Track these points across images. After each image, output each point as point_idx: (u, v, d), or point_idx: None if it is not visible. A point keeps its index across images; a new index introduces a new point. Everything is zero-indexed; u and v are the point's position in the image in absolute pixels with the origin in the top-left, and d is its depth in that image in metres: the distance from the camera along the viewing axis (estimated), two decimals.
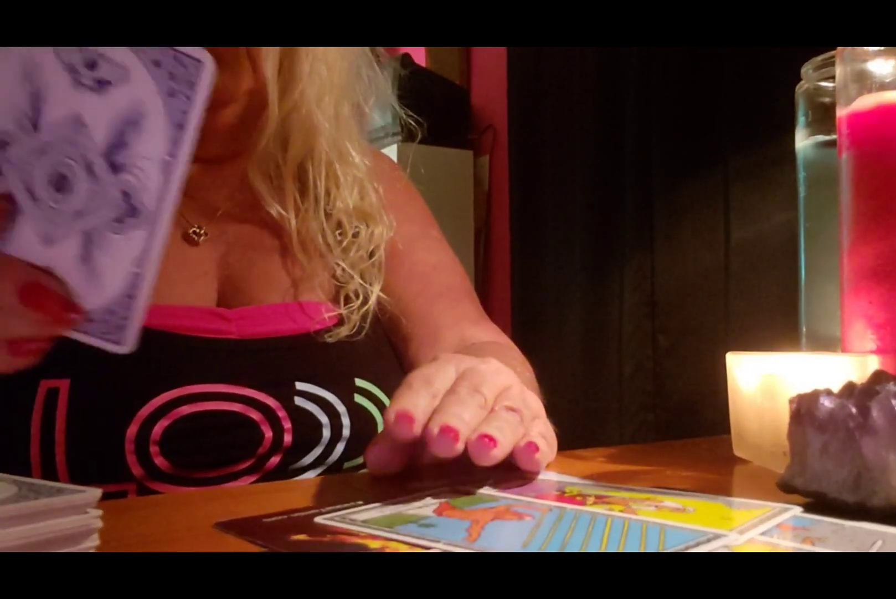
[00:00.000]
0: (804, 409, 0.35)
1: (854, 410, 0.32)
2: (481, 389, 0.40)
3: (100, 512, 0.26)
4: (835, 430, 0.33)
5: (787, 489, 0.35)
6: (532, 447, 0.40)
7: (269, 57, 0.58)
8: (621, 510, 0.34)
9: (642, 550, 0.28)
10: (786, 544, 0.29)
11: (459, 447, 0.37)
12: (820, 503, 0.34)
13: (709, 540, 0.29)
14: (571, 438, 0.55)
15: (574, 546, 0.28)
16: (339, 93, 0.64)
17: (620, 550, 0.28)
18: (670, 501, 0.36)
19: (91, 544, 0.26)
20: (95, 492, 0.26)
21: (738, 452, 0.49)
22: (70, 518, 0.26)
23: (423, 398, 0.40)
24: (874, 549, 0.28)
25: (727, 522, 0.32)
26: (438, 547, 0.28)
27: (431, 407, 0.39)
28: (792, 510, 0.34)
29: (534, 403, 0.44)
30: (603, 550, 0.28)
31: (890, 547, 0.28)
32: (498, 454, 0.38)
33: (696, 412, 1.40)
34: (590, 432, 1.64)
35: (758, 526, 0.31)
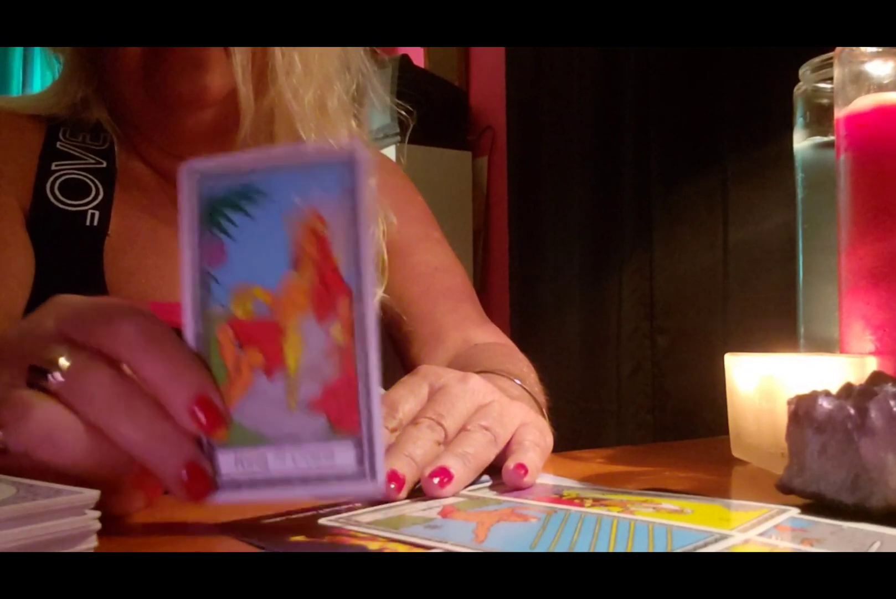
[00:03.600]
0: (802, 410, 0.35)
1: (852, 411, 0.32)
2: (444, 421, 0.40)
3: (98, 513, 0.26)
4: (833, 431, 0.33)
5: (785, 490, 0.35)
6: (521, 470, 0.39)
7: (237, 52, 0.56)
8: (619, 512, 0.34)
9: (650, 550, 0.28)
10: (784, 545, 0.29)
11: (402, 494, 0.36)
12: (818, 505, 0.34)
13: (716, 541, 0.29)
14: (570, 439, 0.55)
15: (582, 547, 0.28)
16: (323, 84, 0.63)
17: (629, 551, 0.28)
18: (668, 503, 0.36)
19: (89, 545, 0.26)
20: (94, 493, 0.26)
21: (736, 453, 0.49)
22: (68, 520, 0.26)
23: None
24: (872, 550, 0.28)
25: (725, 523, 0.32)
26: (446, 548, 0.28)
27: (387, 444, 0.39)
28: (789, 512, 0.34)
29: (516, 417, 0.43)
30: (611, 551, 0.28)
31: (888, 548, 0.28)
32: (451, 489, 0.37)
33: (695, 413, 1.40)
34: (588, 433, 1.64)
35: (755, 527, 0.31)
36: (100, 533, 0.27)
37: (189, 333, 0.31)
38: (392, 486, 0.36)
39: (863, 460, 0.32)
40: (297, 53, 0.60)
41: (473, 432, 0.40)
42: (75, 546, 0.26)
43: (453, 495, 0.37)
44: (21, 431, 0.29)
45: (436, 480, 0.37)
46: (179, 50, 0.56)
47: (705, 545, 0.29)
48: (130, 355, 0.30)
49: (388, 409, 0.41)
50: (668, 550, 0.28)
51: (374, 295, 0.30)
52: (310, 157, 0.31)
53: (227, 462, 0.30)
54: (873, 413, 0.32)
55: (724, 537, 0.30)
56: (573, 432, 1.62)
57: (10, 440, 0.30)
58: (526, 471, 0.39)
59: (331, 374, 0.30)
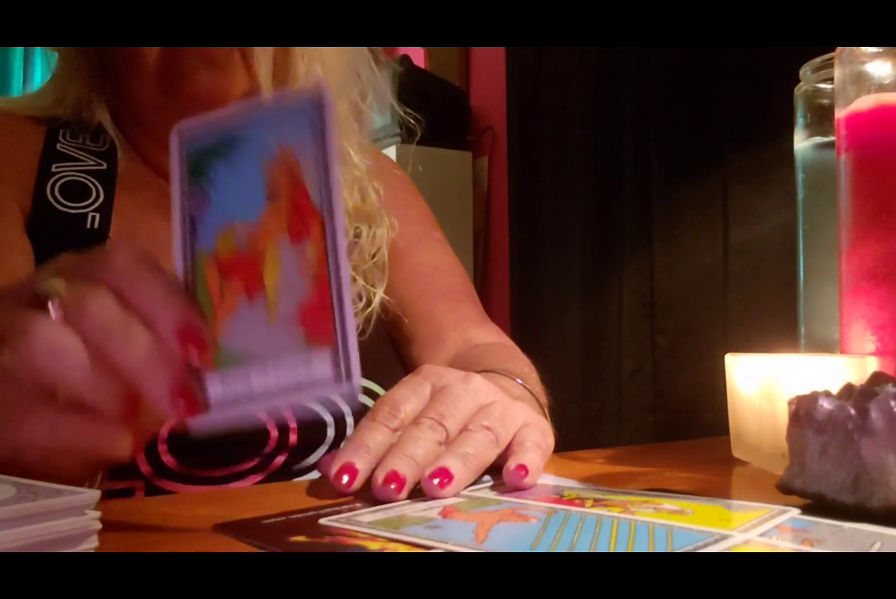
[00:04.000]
0: (803, 410, 0.35)
1: (853, 411, 0.32)
2: (446, 421, 0.40)
3: (98, 514, 0.26)
4: (833, 431, 0.33)
5: (786, 490, 0.35)
6: (521, 470, 0.39)
7: (263, 58, 0.57)
8: (620, 512, 0.34)
9: (651, 551, 0.28)
10: (784, 545, 0.29)
11: (403, 495, 0.36)
12: (819, 505, 0.34)
13: (717, 541, 0.29)
14: (570, 439, 0.55)
15: (583, 548, 0.28)
16: (336, 92, 0.64)
17: (629, 551, 0.28)
18: (669, 503, 0.36)
19: (90, 545, 0.26)
20: (94, 493, 0.26)
21: (736, 453, 0.49)
22: (68, 520, 0.26)
23: (381, 434, 0.40)
24: (873, 550, 0.28)
25: (726, 524, 0.32)
26: (447, 548, 0.28)
27: (389, 443, 0.39)
28: (790, 512, 0.34)
29: (518, 418, 0.43)
30: (612, 551, 0.28)
31: (889, 548, 0.28)
32: (451, 490, 0.37)
33: (695, 414, 1.40)
34: (589, 433, 1.64)
35: (756, 528, 0.31)
36: (100, 533, 0.27)
37: (178, 270, 0.34)
38: (392, 487, 0.36)
39: (863, 460, 0.32)
40: (318, 62, 0.61)
41: (475, 432, 0.40)
42: (76, 547, 0.26)
43: (453, 495, 0.37)
44: (24, 347, 0.31)
45: (436, 480, 0.37)
46: (196, 48, 0.56)
47: (706, 545, 0.29)
48: (122, 284, 0.32)
49: (390, 409, 0.41)
50: (669, 550, 0.28)
51: (343, 217, 0.33)
52: (282, 101, 0.35)
53: (215, 384, 0.32)
54: (874, 414, 0.32)
55: (724, 537, 0.30)
56: (573, 432, 1.61)
57: (13, 358, 0.31)
58: (526, 472, 0.39)
59: (306, 289, 0.32)
